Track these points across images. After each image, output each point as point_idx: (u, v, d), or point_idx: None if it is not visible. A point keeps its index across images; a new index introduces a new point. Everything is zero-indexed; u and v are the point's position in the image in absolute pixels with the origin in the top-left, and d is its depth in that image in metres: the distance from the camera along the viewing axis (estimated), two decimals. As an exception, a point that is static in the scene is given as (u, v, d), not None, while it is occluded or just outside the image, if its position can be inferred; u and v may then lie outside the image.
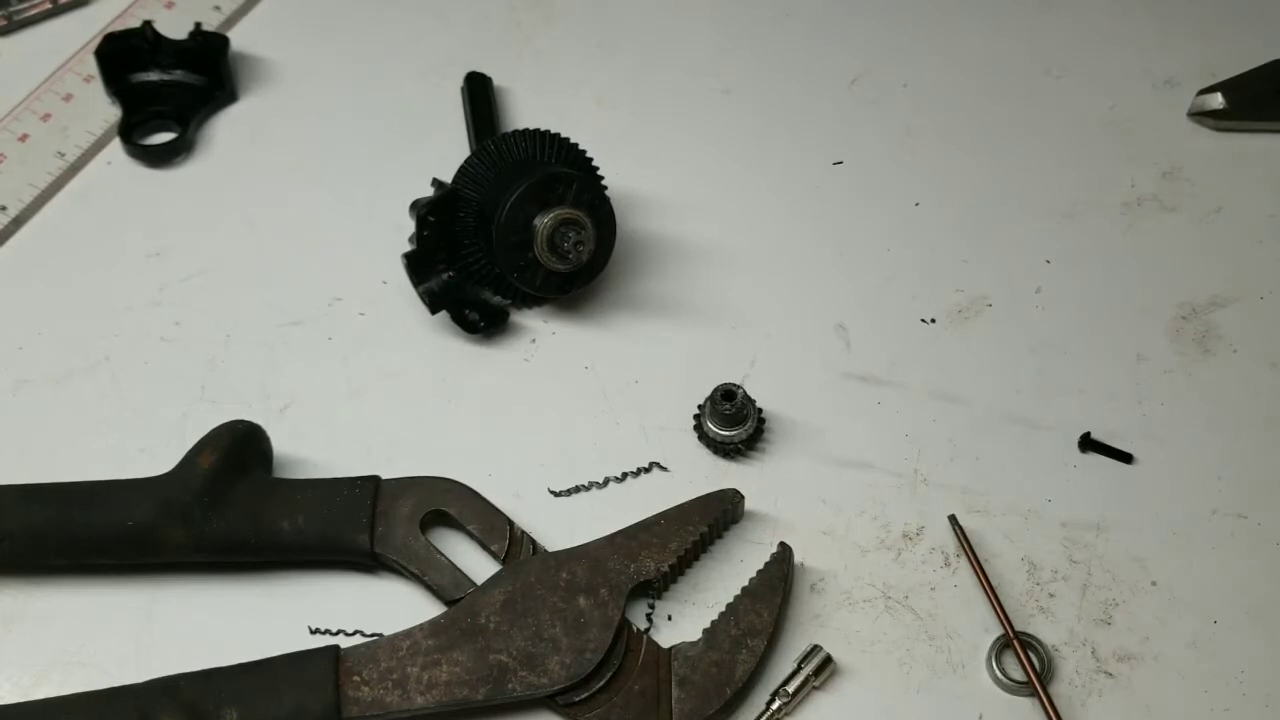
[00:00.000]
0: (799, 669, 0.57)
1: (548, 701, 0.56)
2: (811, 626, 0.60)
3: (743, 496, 0.61)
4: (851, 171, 0.78)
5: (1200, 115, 0.80)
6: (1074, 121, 0.80)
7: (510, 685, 0.55)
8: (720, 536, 0.62)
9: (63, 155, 0.77)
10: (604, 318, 0.71)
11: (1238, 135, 0.79)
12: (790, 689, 0.57)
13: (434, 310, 0.68)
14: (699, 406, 0.66)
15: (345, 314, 0.71)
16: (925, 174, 0.78)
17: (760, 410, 0.65)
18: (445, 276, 0.69)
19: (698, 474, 0.65)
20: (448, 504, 0.61)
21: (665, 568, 0.59)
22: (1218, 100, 0.79)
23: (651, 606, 0.60)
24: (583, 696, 0.56)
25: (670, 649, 0.57)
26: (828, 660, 0.57)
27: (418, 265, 0.68)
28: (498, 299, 0.70)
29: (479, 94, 0.79)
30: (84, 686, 0.55)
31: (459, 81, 0.80)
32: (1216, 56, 0.82)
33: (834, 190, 0.77)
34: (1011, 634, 0.58)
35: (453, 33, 0.85)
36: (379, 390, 0.68)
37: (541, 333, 0.70)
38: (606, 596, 0.57)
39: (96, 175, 0.78)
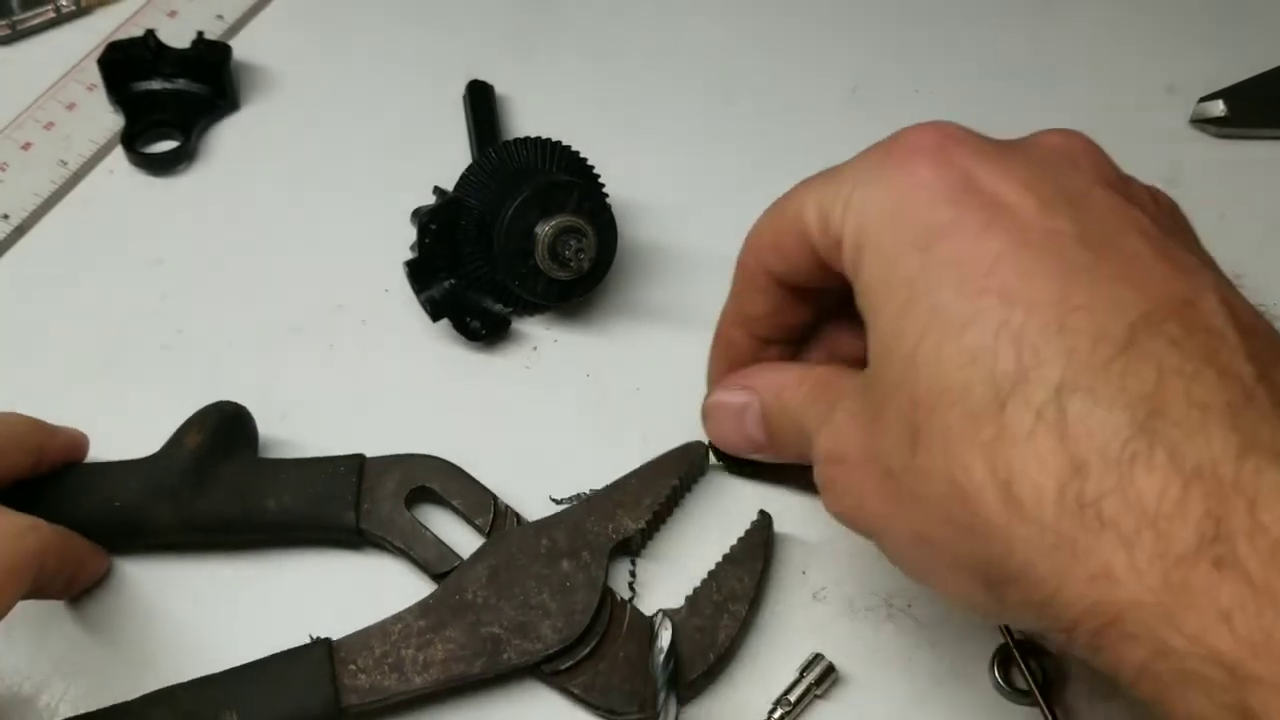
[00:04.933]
0: (801, 678, 0.57)
1: (535, 671, 0.57)
2: (813, 635, 0.59)
3: (708, 448, 0.62)
4: (853, 179, 0.78)
5: (1202, 122, 0.80)
6: (1074, 127, 0.79)
7: (505, 655, 0.56)
8: (689, 490, 0.63)
9: (65, 163, 0.77)
10: (605, 325, 0.71)
11: (1240, 143, 0.79)
12: (792, 698, 0.57)
13: (435, 318, 0.68)
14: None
15: (347, 322, 0.71)
16: (927, 181, 0.77)
17: (762, 418, 0.65)
18: (447, 284, 0.69)
19: (698, 478, 0.64)
20: (432, 480, 0.62)
21: (642, 524, 0.60)
22: (1219, 108, 0.79)
23: (633, 574, 0.60)
24: (568, 665, 0.57)
25: (653, 615, 0.58)
26: (830, 669, 0.57)
27: (419, 273, 0.68)
28: (499, 306, 0.70)
29: (480, 102, 0.79)
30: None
31: (461, 90, 0.80)
32: (1218, 63, 0.82)
33: (836, 198, 0.77)
34: (1014, 642, 0.58)
35: (455, 42, 0.85)
36: (380, 398, 0.68)
37: (543, 340, 0.70)
38: (588, 558, 0.59)
39: (99, 183, 0.78)
